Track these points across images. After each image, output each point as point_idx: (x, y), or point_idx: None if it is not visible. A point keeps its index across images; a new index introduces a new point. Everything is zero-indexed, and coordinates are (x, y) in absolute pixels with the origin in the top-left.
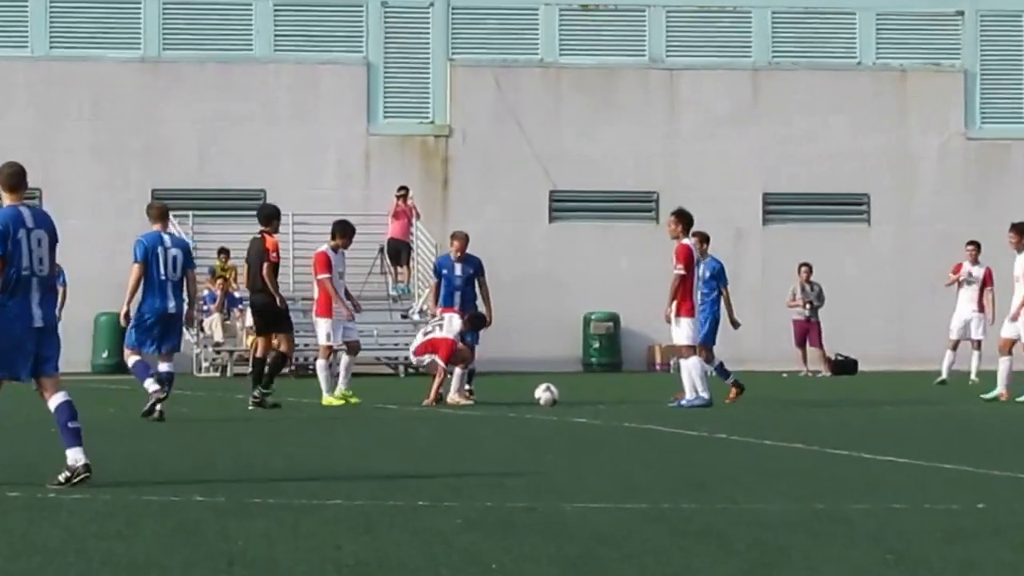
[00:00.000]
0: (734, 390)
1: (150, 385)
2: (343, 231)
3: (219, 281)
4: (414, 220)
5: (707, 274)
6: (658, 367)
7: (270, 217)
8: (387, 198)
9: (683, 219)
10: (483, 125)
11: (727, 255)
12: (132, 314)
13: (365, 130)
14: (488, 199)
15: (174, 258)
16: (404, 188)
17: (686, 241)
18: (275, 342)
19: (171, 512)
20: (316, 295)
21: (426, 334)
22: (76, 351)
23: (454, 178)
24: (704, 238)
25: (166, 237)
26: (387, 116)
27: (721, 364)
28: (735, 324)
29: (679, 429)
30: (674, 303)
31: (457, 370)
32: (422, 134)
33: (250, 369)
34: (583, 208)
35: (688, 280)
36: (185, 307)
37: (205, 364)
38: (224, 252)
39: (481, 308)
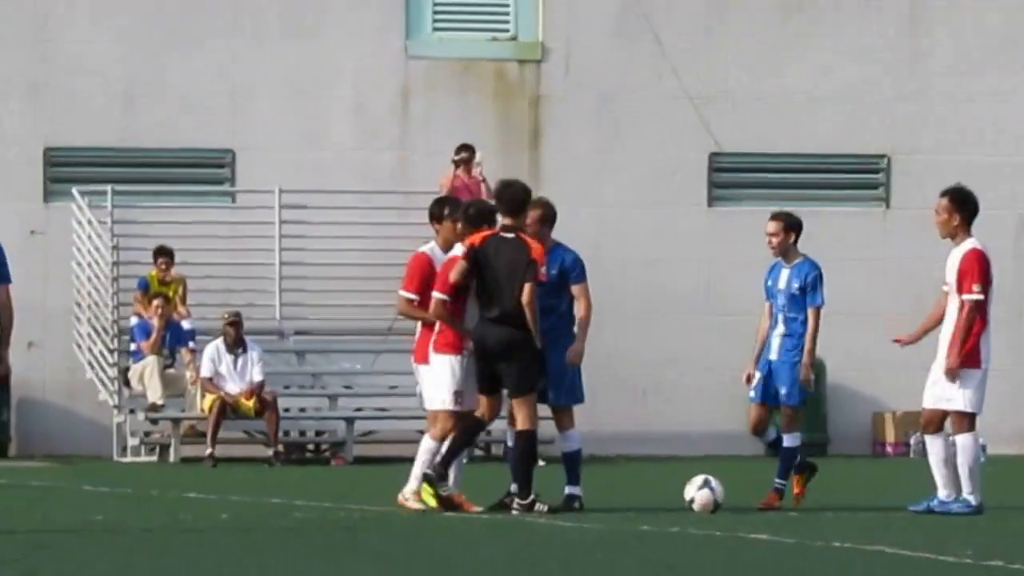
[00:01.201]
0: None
1: None
2: (469, 213)
3: (156, 303)
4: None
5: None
6: (889, 448)
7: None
8: (438, 164)
9: (963, 204)
10: (599, 44)
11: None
12: None
13: (402, 50)
14: (606, 165)
15: None
16: (467, 148)
17: (973, 243)
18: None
19: None
20: (417, 330)
21: None
22: None
23: (550, 131)
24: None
25: None
26: (438, 27)
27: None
28: None
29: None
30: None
31: (432, 443)
32: (496, 58)
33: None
34: (761, 183)
35: (983, 308)
36: None
37: (133, 441)
38: (164, 254)
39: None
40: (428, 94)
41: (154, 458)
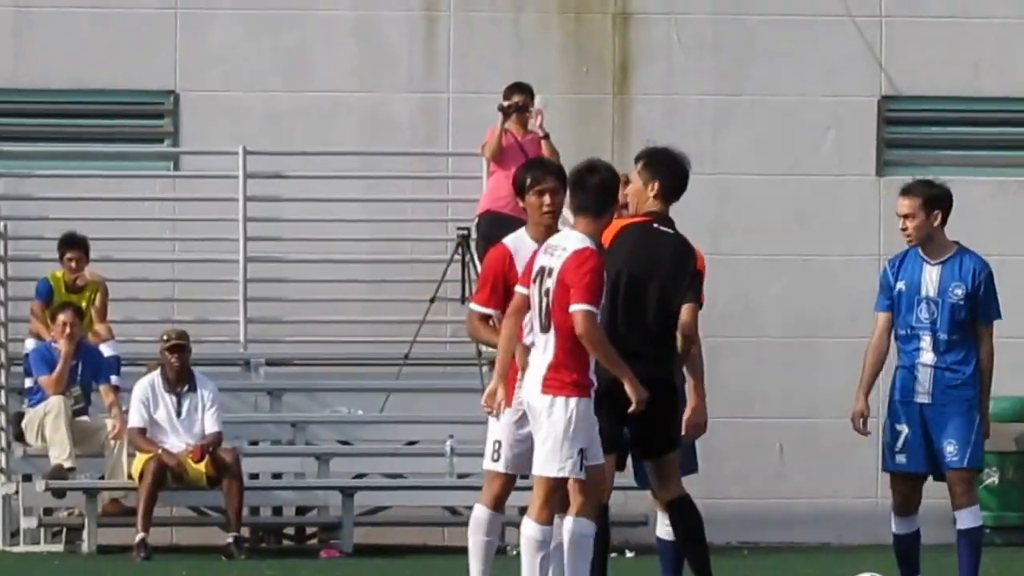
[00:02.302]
0: None
1: None
2: (533, 177)
3: (61, 318)
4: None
5: None
6: None
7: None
8: (479, 113)
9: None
10: None
11: None
12: None
13: None
14: (726, 115)
15: None
16: (521, 90)
17: None
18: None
19: None
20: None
21: None
22: None
23: (644, 64)
24: None
25: None
26: None
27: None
28: None
29: None
30: None
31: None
32: None
33: None
34: (954, 140)
35: None
36: None
37: (28, 522)
38: (74, 247)
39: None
40: (463, 8)
41: (59, 546)
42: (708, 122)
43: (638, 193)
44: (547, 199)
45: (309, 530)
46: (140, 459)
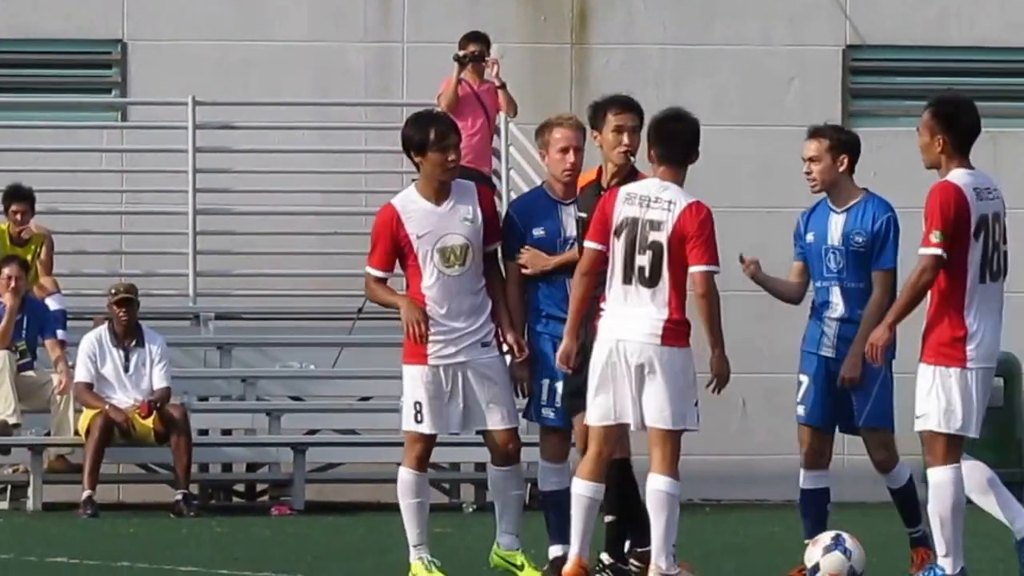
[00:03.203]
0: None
1: None
2: (437, 132)
3: (6, 271)
4: (502, 119)
5: None
6: None
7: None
8: (434, 63)
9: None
10: None
11: None
12: None
13: None
14: (689, 66)
15: None
16: (478, 39)
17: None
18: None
19: None
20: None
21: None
22: None
23: (603, 12)
24: None
25: None
26: None
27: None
28: None
29: None
30: None
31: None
32: None
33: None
34: (921, 90)
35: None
36: None
37: None
38: (18, 199)
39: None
40: None
41: (4, 504)
42: (669, 73)
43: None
44: (445, 153)
45: (260, 487)
46: (87, 415)
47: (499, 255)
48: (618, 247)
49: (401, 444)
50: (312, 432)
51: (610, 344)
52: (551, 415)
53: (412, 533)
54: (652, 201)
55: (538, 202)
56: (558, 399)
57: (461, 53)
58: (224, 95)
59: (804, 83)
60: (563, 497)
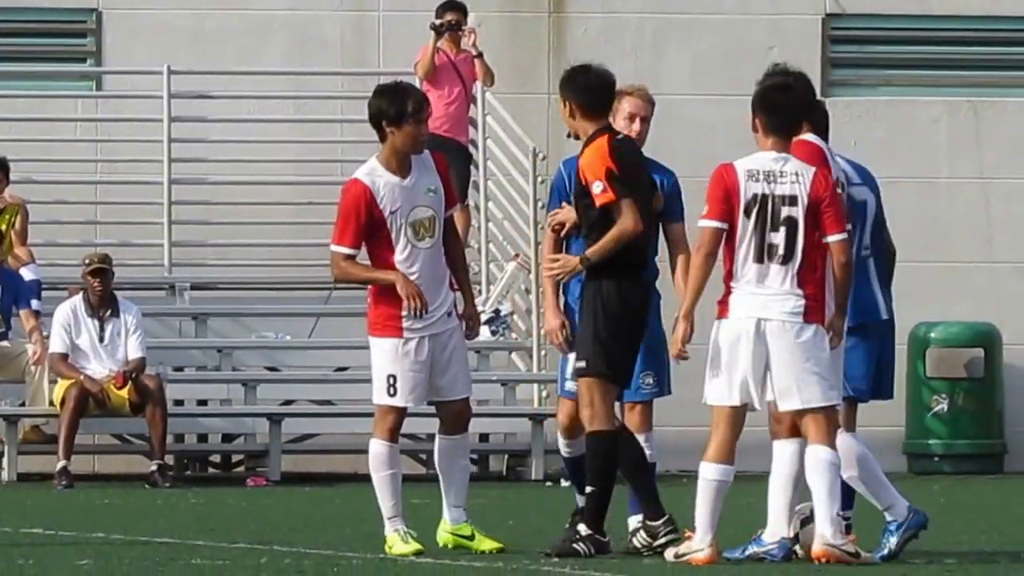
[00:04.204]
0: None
1: None
2: (414, 105)
3: None
4: (479, 88)
5: None
6: None
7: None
8: (411, 33)
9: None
10: None
11: None
12: None
13: None
14: (664, 36)
15: None
16: (454, 8)
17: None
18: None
19: None
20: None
21: None
22: None
23: None
24: None
25: None
26: None
27: None
28: None
29: None
30: None
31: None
32: None
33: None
34: (903, 60)
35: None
36: None
37: None
38: None
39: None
40: None
41: None
42: (647, 42)
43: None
44: (413, 122)
45: (235, 458)
46: (62, 385)
47: (453, 221)
48: (748, 226)
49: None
50: (288, 403)
51: (748, 324)
52: (574, 388)
53: (386, 505)
54: (777, 175)
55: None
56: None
57: (438, 22)
58: (200, 64)
59: (783, 52)
60: (580, 461)
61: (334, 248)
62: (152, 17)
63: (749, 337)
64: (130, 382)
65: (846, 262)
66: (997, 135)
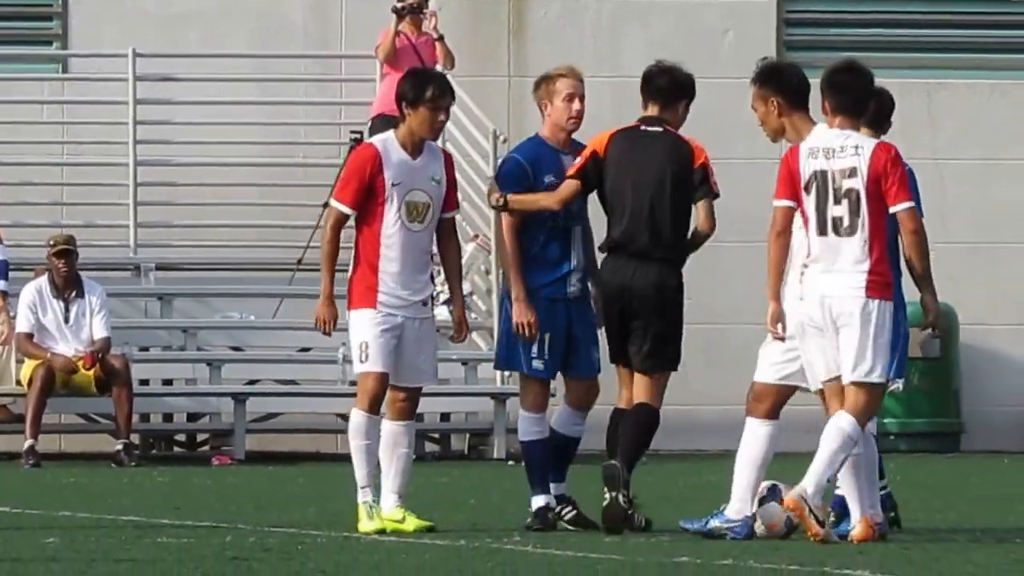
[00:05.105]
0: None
1: None
2: (434, 91)
3: None
4: (441, 70)
5: None
6: None
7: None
8: (372, 16)
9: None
10: None
11: None
12: None
13: None
14: (624, 16)
15: None
16: None
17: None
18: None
19: None
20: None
21: None
22: None
23: None
24: None
25: None
26: None
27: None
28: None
29: None
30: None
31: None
32: None
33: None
34: (857, 43)
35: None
36: None
37: None
38: None
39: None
40: None
41: None
42: (605, 25)
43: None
44: (431, 105)
45: (200, 437)
46: (29, 365)
47: (455, 224)
48: (809, 202)
49: (340, 395)
50: (252, 382)
51: (815, 300)
52: (540, 366)
53: (359, 474)
54: (837, 151)
55: (541, 150)
56: (547, 351)
57: (399, 5)
58: (165, 47)
59: (739, 35)
60: (544, 447)
61: (332, 202)
62: (118, 1)
63: (819, 313)
64: (96, 362)
65: (915, 229)
66: (950, 117)
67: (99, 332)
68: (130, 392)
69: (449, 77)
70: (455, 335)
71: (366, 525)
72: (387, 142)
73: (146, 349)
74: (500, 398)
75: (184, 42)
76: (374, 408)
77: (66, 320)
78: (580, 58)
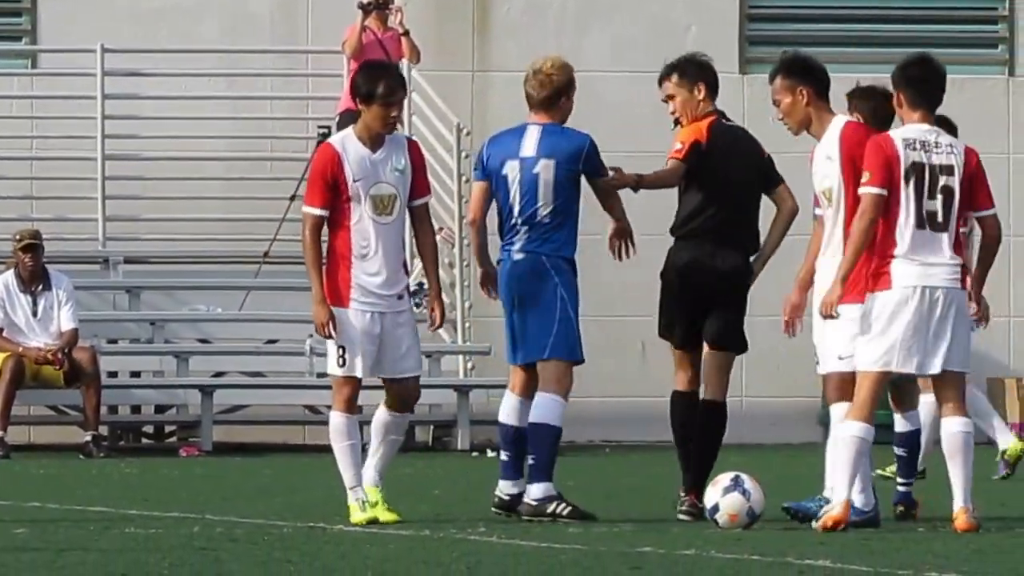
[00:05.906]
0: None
1: None
2: (385, 87)
3: None
4: (405, 65)
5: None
6: (1013, 430)
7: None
8: (339, 11)
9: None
10: None
11: None
12: None
13: None
14: (587, 12)
15: None
16: None
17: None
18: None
19: None
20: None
21: None
22: None
23: None
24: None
25: None
26: None
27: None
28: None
29: None
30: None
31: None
32: None
33: None
34: (818, 38)
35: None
36: None
37: None
38: None
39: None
40: None
41: None
42: (570, 20)
43: (686, 101)
44: (384, 104)
45: (168, 428)
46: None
47: (428, 210)
48: (909, 193)
49: (307, 387)
50: (219, 374)
51: (908, 291)
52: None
53: (347, 475)
54: (933, 146)
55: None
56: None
57: (365, 1)
58: (133, 43)
59: (701, 30)
60: (522, 435)
61: (305, 209)
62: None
63: (912, 305)
64: (64, 355)
65: (998, 236)
66: None
67: (67, 324)
68: (98, 384)
69: (414, 71)
70: (430, 324)
71: (358, 516)
72: (346, 140)
73: (114, 342)
74: (463, 390)
75: (153, 38)
76: (352, 408)
77: (34, 314)
78: (543, 53)
